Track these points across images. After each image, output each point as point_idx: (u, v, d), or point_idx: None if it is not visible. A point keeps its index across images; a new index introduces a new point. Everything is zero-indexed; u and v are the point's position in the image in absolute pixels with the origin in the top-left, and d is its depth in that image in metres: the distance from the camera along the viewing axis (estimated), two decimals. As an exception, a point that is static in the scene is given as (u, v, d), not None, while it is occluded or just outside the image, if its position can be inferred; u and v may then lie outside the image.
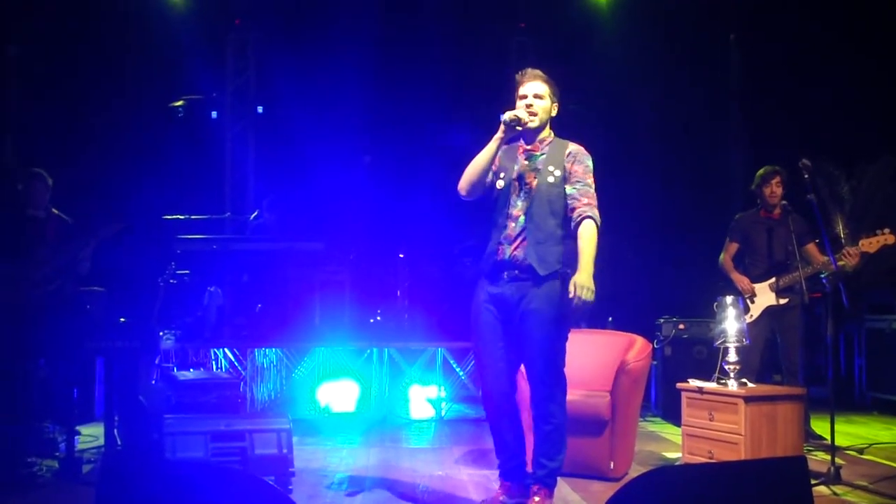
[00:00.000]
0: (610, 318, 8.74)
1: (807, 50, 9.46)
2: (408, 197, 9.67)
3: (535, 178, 4.66)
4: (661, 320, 8.28)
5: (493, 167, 4.77)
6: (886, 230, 6.33)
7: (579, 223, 4.57)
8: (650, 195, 9.76)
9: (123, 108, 9.03)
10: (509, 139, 4.74)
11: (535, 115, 4.68)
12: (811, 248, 6.71)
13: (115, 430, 5.84)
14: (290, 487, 5.12)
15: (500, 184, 4.73)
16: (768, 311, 6.78)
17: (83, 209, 6.56)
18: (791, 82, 9.53)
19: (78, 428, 6.01)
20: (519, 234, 4.63)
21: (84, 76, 9.00)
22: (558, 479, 4.77)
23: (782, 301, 6.77)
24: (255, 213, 9.34)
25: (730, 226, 7.17)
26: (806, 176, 5.68)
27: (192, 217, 8.79)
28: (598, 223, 4.58)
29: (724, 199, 10.09)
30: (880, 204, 9.37)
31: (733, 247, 7.09)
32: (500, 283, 4.66)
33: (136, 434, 5.82)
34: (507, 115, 4.58)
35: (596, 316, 8.90)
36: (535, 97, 4.71)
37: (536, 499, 4.61)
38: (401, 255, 9.20)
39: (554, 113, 4.78)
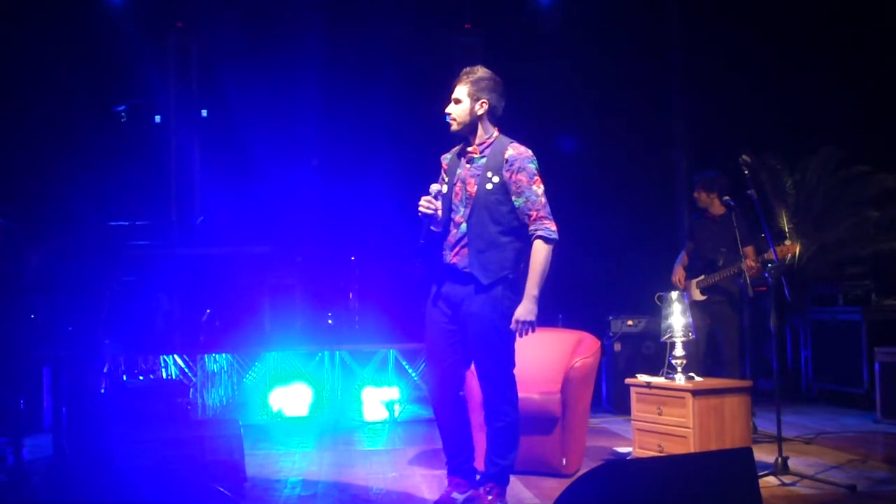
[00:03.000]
0: (560, 316, 8.79)
1: (749, 45, 9.58)
2: (357, 199, 9.64)
3: (475, 184, 4.62)
4: (611, 317, 8.39)
5: (442, 173, 4.79)
6: (788, 241, 6.53)
7: (532, 241, 4.56)
8: (597, 194, 9.83)
9: (63, 112, 8.89)
10: (460, 145, 4.76)
11: (451, 120, 4.66)
12: (749, 250, 6.83)
13: (64, 440, 5.76)
14: (243, 494, 5.09)
15: (445, 188, 4.71)
16: (695, 305, 6.90)
17: (23, 215, 6.46)
18: (733, 78, 9.64)
19: (25, 438, 5.92)
20: (459, 241, 4.63)
21: (19, 79, 8.84)
22: (511, 476, 4.80)
23: (703, 297, 6.97)
24: (201, 219, 9.26)
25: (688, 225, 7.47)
26: (746, 171, 5.78)
27: (137, 223, 8.71)
28: (552, 235, 4.56)
29: (669, 198, 10.19)
30: (823, 196, 9.51)
31: (689, 246, 7.35)
32: (446, 285, 4.68)
33: (85, 443, 5.75)
34: (422, 202, 4.59)
35: (545, 314, 8.95)
36: (453, 102, 4.67)
37: (489, 497, 4.60)
38: (352, 258, 9.18)
39: (480, 111, 4.64)
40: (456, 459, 4.78)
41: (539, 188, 4.58)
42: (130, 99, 9.64)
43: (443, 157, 4.86)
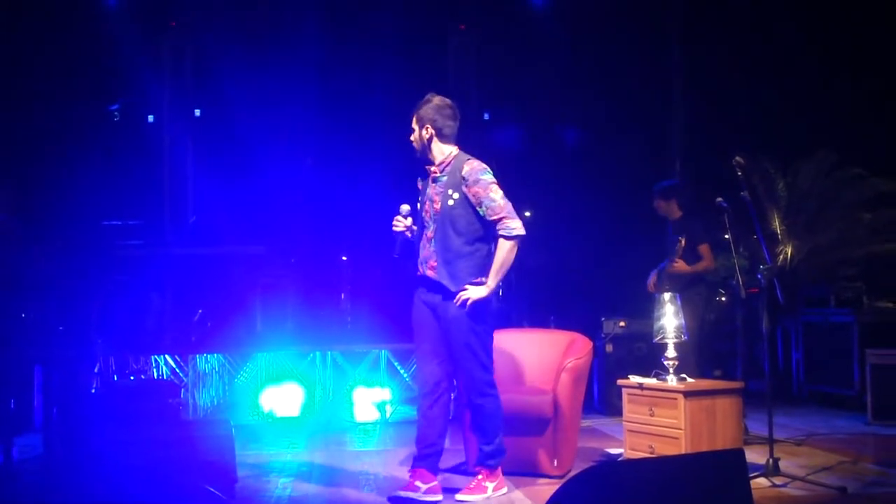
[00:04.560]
0: (552, 318, 8.80)
1: (744, 46, 9.59)
2: (350, 199, 9.63)
3: (439, 201, 5.03)
4: (603, 318, 8.40)
5: (420, 192, 5.22)
6: (682, 238, 6.66)
7: (499, 242, 4.95)
8: (590, 196, 9.83)
9: (56, 111, 8.87)
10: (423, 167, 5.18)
11: (414, 146, 5.13)
12: (703, 248, 7.04)
13: (55, 440, 5.75)
14: (233, 494, 5.08)
15: (419, 206, 5.16)
16: None
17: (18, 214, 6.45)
18: (728, 80, 9.65)
19: (15, 438, 5.90)
20: (430, 256, 5.05)
21: (12, 78, 8.82)
22: (502, 475, 5.14)
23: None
24: (194, 218, 9.25)
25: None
26: (739, 174, 5.80)
27: (130, 222, 8.69)
28: (511, 233, 4.92)
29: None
30: (815, 200, 9.52)
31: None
32: (425, 293, 5.12)
33: (75, 443, 5.73)
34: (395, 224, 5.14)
35: (538, 315, 8.97)
36: (412, 130, 5.14)
37: (480, 477, 5.06)
38: (343, 258, 9.17)
39: (426, 135, 5.07)
40: (424, 451, 5.10)
41: (495, 194, 4.96)
42: (123, 98, 9.63)
43: (418, 179, 5.28)
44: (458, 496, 5.02)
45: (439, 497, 5.02)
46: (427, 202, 5.10)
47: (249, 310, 8.48)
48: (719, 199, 6.27)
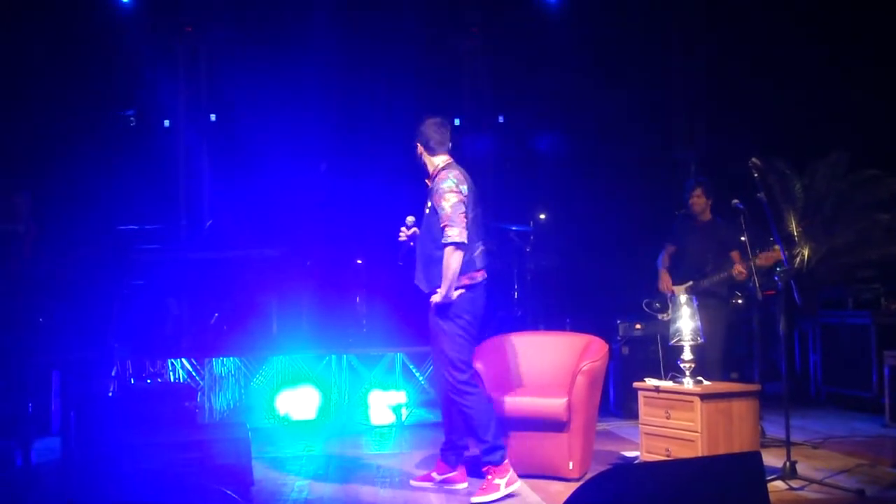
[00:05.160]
0: (567, 320, 8.78)
1: (759, 47, 9.55)
2: (364, 202, 9.64)
3: (425, 212, 5.41)
4: (619, 321, 8.36)
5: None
6: (776, 246, 6.47)
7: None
8: (605, 198, 9.81)
9: (73, 117, 8.91)
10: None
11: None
12: (735, 255, 6.91)
13: (72, 443, 5.77)
14: (250, 497, 5.09)
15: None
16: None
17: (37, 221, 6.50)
18: (744, 81, 9.62)
19: (33, 441, 5.93)
20: (416, 263, 5.44)
21: (30, 85, 8.87)
22: (519, 481, 5.26)
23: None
24: (210, 222, 9.28)
25: (671, 229, 7.37)
26: (756, 175, 5.77)
27: (146, 226, 8.72)
28: (448, 240, 5.14)
29: (678, 200, 10.15)
30: (833, 201, 9.47)
31: (671, 248, 7.36)
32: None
33: (92, 446, 5.76)
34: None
35: (554, 318, 8.95)
36: None
37: (489, 477, 5.20)
38: (358, 262, 9.17)
39: (419, 151, 5.50)
40: (443, 445, 5.53)
41: (446, 203, 5.20)
42: (139, 103, 9.67)
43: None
44: (473, 499, 5.11)
45: (458, 487, 5.38)
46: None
47: (265, 313, 8.49)
48: (735, 200, 6.24)
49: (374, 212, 9.51)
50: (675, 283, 7.10)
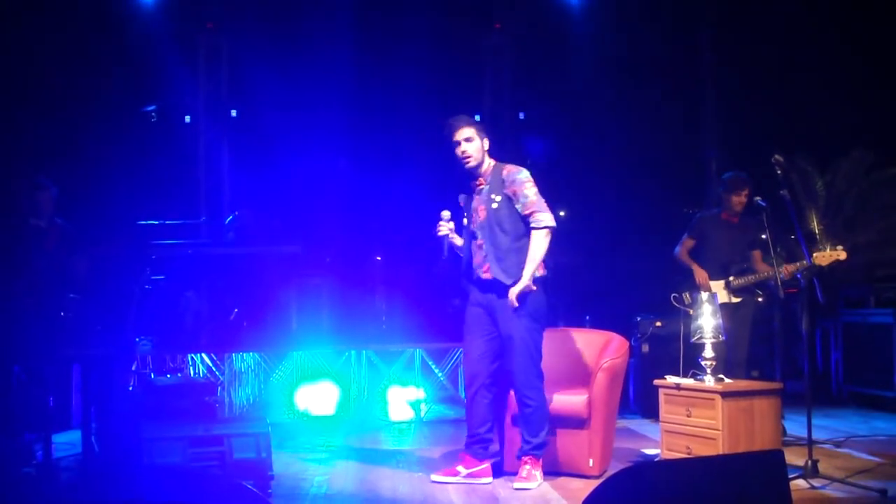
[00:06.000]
0: (587, 317, 8.75)
1: (781, 45, 9.50)
2: (384, 198, 9.65)
3: (484, 209, 5.43)
4: (639, 318, 8.32)
5: (463, 208, 5.60)
6: (839, 247, 6.36)
7: (531, 234, 5.33)
8: (625, 193, 9.78)
9: (95, 112, 8.94)
10: (468, 181, 5.56)
11: (469, 157, 5.43)
12: (756, 254, 6.89)
13: (93, 438, 5.80)
14: (270, 492, 5.10)
15: (465, 221, 5.55)
16: (721, 308, 6.81)
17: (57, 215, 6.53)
18: (765, 78, 9.57)
19: (54, 435, 5.95)
20: (485, 259, 5.43)
21: (52, 80, 8.90)
22: (539, 475, 5.35)
23: (735, 300, 6.87)
24: (231, 218, 9.30)
25: (690, 223, 7.28)
26: (779, 172, 5.72)
27: (167, 222, 8.74)
28: (540, 224, 5.30)
29: (699, 197, 10.12)
30: (854, 199, 9.42)
31: (690, 242, 7.23)
32: (479, 295, 5.50)
33: (113, 440, 5.78)
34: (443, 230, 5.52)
35: (574, 314, 8.93)
36: (465, 141, 5.43)
37: (528, 467, 5.33)
38: (378, 258, 9.18)
39: (486, 146, 5.49)
40: (471, 438, 5.50)
41: (530, 190, 5.36)
42: (160, 99, 9.70)
43: (459, 196, 5.64)
44: (516, 484, 5.29)
45: (485, 481, 5.43)
46: (473, 214, 5.49)
47: (285, 309, 8.50)
48: (758, 198, 6.18)
49: (393, 208, 9.52)
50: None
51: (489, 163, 5.51)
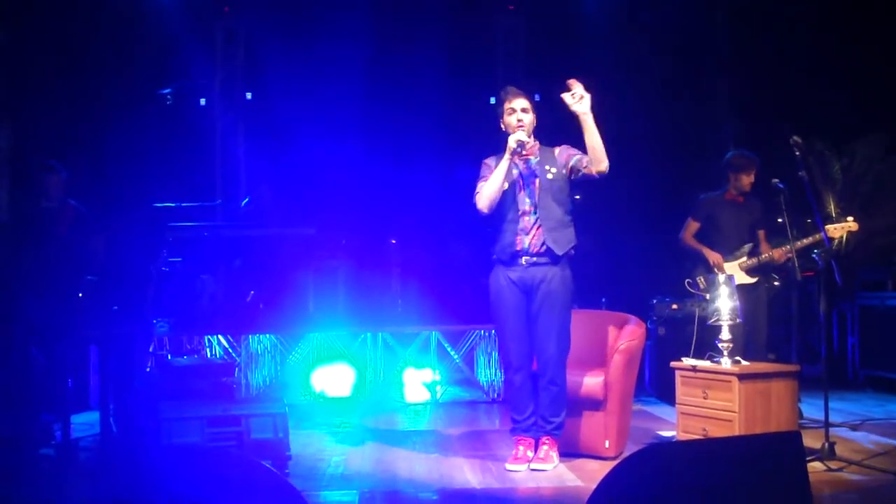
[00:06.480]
0: (603, 299, 8.74)
1: (797, 27, 9.43)
2: (399, 181, 9.65)
3: (536, 177, 5.40)
4: (655, 301, 8.30)
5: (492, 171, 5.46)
6: (850, 218, 6.35)
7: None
8: (642, 175, 9.74)
9: (111, 95, 8.97)
10: (501, 150, 5.43)
11: (524, 126, 5.44)
12: (761, 234, 6.91)
13: (111, 418, 5.84)
14: (287, 471, 5.13)
15: (505, 185, 5.40)
16: (737, 289, 6.78)
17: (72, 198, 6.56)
18: (781, 60, 9.51)
19: (73, 416, 6.00)
20: (534, 225, 5.35)
21: (68, 64, 8.92)
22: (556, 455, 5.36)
23: (751, 280, 6.83)
24: (246, 200, 9.32)
25: (694, 205, 7.18)
26: (797, 153, 5.67)
27: (183, 204, 8.77)
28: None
29: (716, 179, 10.06)
30: (871, 182, 9.38)
31: (695, 226, 7.13)
32: (520, 268, 5.38)
33: (131, 421, 5.82)
34: (513, 142, 5.30)
35: (590, 296, 8.92)
36: (522, 111, 5.48)
37: (546, 447, 5.37)
38: (393, 241, 9.19)
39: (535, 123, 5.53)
40: (528, 421, 5.44)
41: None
42: (176, 82, 9.71)
43: (487, 161, 5.58)
44: (533, 465, 5.30)
45: (547, 466, 5.34)
46: (520, 180, 5.42)
47: (301, 291, 8.52)
48: (775, 179, 6.14)
49: (408, 190, 9.52)
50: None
51: (534, 140, 5.54)
